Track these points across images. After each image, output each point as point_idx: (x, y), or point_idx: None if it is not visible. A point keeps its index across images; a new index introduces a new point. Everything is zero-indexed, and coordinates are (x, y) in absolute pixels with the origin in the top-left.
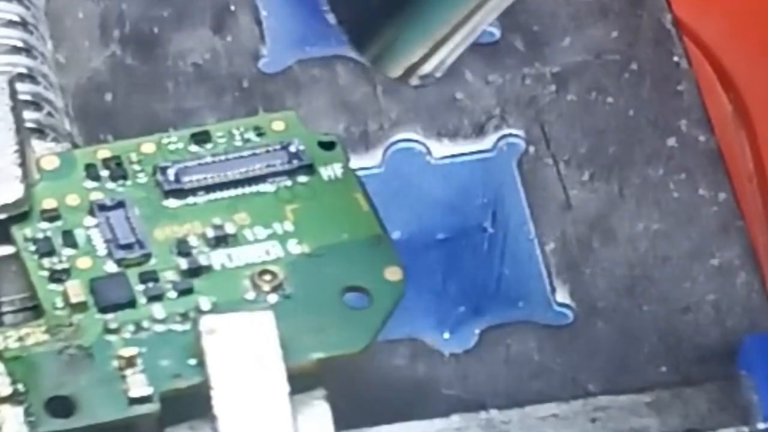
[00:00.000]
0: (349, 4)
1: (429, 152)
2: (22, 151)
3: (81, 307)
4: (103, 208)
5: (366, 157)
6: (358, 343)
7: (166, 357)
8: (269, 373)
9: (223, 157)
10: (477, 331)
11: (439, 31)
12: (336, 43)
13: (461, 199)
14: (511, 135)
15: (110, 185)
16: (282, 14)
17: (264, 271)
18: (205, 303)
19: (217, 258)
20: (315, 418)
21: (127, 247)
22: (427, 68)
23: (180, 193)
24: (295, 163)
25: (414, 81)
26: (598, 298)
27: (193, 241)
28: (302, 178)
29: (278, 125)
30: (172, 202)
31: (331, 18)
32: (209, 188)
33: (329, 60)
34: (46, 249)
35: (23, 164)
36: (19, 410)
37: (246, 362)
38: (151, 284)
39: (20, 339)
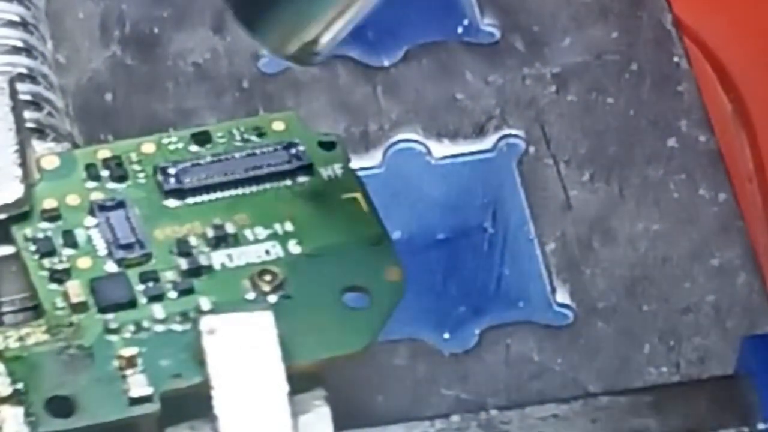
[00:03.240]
0: None
1: (429, 152)
2: (23, 151)
3: (81, 307)
4: (103, 208)
5: (366, 158)
6: (358, 343)
7: (166, 357)
8: (269, 373)
9: (223, 158)
10: (477, 331)
11: (330, 7)
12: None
13: (461, 199)
14: (511, 135)
15: (110, 185)
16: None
17: (264, 271)
18: (205, 303)
19: (217, 258)
20: (315, 418)
21: (128, 247)
22: (319, 47)
23: (180, 193)
24: (296, 163)
25: (307, 60)
26: (598, 298)
27: (193, 241)
28: (302, 179)
29: (278, 125)
30: (172, 202)
31: None
32: (209, 188)
33: (329, 60)
34: (46, 249)
35: (23, 164)
36: (20, 410)
37: (246, 362)
38: (151, 284)
39: (20, 339)
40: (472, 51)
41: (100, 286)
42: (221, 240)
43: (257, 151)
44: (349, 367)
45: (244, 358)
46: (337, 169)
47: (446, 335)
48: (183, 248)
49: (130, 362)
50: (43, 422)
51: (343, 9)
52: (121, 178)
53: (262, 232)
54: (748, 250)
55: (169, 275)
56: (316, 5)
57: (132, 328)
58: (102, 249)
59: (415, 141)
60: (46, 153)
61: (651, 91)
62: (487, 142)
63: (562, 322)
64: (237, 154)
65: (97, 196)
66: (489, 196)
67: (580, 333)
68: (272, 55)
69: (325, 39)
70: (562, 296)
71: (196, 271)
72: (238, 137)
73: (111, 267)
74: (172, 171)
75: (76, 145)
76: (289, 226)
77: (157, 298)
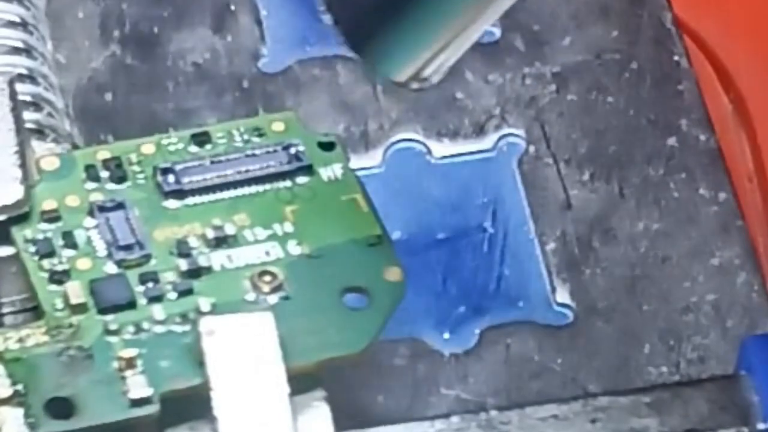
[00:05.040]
0: (346, 6)
1: (429, 152)
2: (22, 152)
3: (81, 308)
4: (103, 209)
5: (366, 157)
6: (358, 343)
7: (166, 358)
8: (269, 374)
9: (223, 158)
10: (477, 331)
11: (444, 35)
12: (336, 43)
13: (461, 199)
14: (511, 135)
15: (110, 186)
16: (282, 14)
17: (264, 272)
18: (204, 304)
19: (216, 259)
20: (315, 419)
21: (127, 248)
22: (427, 72)
23: (180, 193)
24: (295, 163)
25: (414, 85)
26: (598, 297)
27: (193, 242)
28: (302, 179)
29: (278, 126)
30: (171, 203)
31: (329, 19)
32: (209, 189)
33: (329, 60)
34: (46, 250)
35: (23, 165)
36: (19, 412)
37: (246, 363)
38: (151, 285)
39: (20, 340)
40: (472, 50)
41: (100, 288)
42: (221, 241)
43: (257, 152)
44: (349, 367)
45: (244, 359)
46: (337, 169)
47: (446, 335)
48: (183, 249)
49: (130, 363)
50: (43, 423)
51: (452, 39)
52: (121, 179)
53: (261, 232)
54: (748, 249)
55: (169, 276)
56: (426, 35)
57: (132, 329)
58: (102, 250)
59: (415, 141)
60: (46, 154)
61: (651, 90)
62: (487, 142)
63: (562, 322)
64: (237, 155)
65: (96, 197)
66: (489, 196)
67: (580, 333)
68: (383, 78)
69: (433, 66)
70: (562, 296)
71: (196, 272)
72: (237, 138)
73: (111, 268)
74: (171, 172)
75: (75, 146)
76: (288, 227)
77: (156, 299)
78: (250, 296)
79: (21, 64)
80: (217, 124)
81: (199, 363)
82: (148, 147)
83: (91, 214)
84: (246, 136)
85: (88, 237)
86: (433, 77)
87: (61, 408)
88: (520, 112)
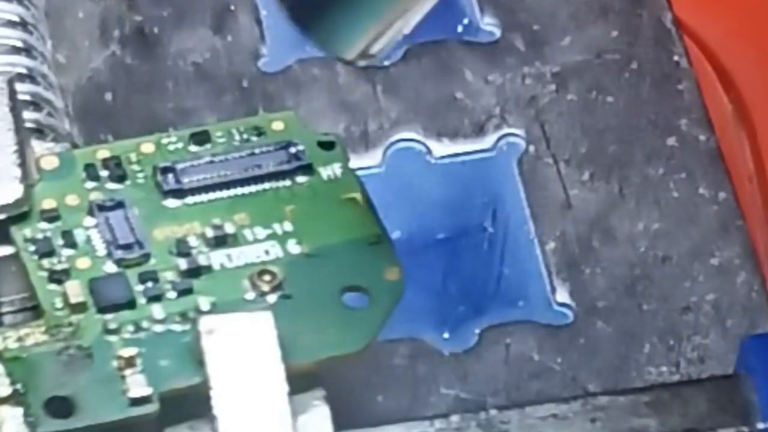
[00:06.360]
0: None
1: (429, 152)
2: (22, 152)
3: (80, 307)
4: (102, 208)
5: (366, 157)
6: (358, 343)
7: (165, 357)
8: (268, 373)
9: (222, 157)
10: (477, 331)
11: (390, 11)
12: None
13: (461, 198)
14: (511, 134)
15: (110, 185)
16: (282, 14)
17: (263, 271)
18: (204, 303)
19: (216, 258)
20: (314, 418)
21: (127, 247)
22: (375, 49)
23: (179, 193)
24: (295, 163)
25: (362, 63)
26: (598, 297)
27: (192, 241)
28: (302, 178)
29: (278, 125)
30: (171, 202)
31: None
32: (209, 188)
33: (329, 60)
34: (45, 249)
35: (23, 164)
36: (19, 411)
37: (245, 362)
38: (150, 284)
39: (20, 339)
40: (472, 50)
41: (99, 287)
42: (220, 240)
43: (256, 151)
44: (349, 366)
45: (244, 358)
46: (337, 169)
47: (446, 335)
48: (182, 248)
49: (130, 362)
50: (43, 423)
51: (399, 15)
52: (121, 178)
53: (261, 232)
54: (748, 249)
55: (169, 275)
56: (372, 12)
57: (131, 328)
58: (101, 249)
59: (415, 140)
60: (46, 153)
61: (651, 90)
62: (487, 142)
63: (562, 322)
64: (236, 154)
65: (96, 196)
66: (489, 196)
67: (579, 332)
68: (329, 55)
69: (379, 45)
70: (562, 296)
71: (196, 271)
72: (237, 137)
73: (110, 267)
74: (171, 171)
75: (75, 145)
76: (288, 226)
77: (156, 298)
78: (250, 295)
79: (21, 63)
80: (216, 123)
81: (199, 362)
82: (147, 146)
83: (90, 213)
84: (246, 136)
85: (88, 236)
86: (380, 54)
87: (61, 407)
88: (520, 112)
